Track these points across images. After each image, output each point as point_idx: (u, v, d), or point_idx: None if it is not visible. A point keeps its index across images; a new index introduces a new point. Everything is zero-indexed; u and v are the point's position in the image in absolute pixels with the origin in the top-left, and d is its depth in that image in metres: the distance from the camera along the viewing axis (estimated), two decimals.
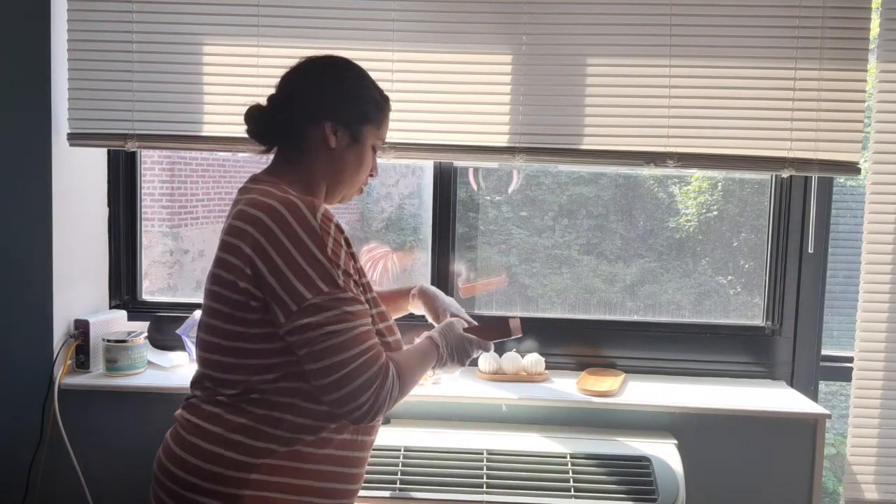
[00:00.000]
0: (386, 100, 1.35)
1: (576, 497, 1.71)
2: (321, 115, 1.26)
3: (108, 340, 1.98)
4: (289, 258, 1.11)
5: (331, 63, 1.31)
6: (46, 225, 1.97)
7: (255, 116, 1.29)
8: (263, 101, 1.30)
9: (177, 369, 2.03)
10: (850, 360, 2.03)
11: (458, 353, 1.34)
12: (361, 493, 1.33)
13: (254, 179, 1.27)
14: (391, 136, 2.02)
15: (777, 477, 1.92)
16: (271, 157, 1.32)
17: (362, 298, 1.17)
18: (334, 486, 1.21)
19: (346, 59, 1.32)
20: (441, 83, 1.99)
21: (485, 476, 1.75)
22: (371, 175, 1.36)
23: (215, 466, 1.15)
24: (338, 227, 1.17)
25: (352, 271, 1.17)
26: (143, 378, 1.98)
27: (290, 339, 1.13)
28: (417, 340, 1.36)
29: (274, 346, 1.15)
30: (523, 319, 1.49)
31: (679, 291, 2.26)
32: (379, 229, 2.45)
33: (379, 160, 1.72)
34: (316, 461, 1.18)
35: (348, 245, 1.19)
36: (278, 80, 1.31)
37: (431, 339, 1.35)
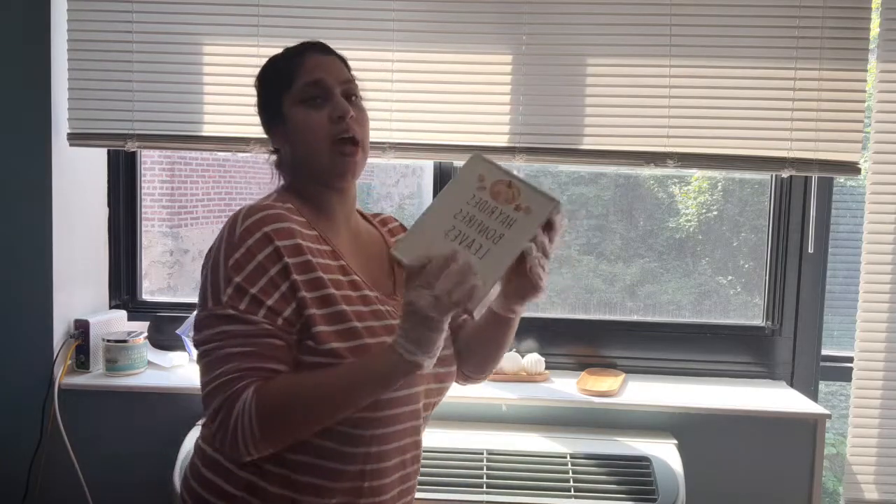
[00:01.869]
0: (295, 52, 1.15)
1: (576, 497, 1.71)
2: (268, 125, 1.18)
3: (108, 340, 1.98)
4: (203, 272, 1.06)
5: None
6: (46, 225, 1.97)
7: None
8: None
9: (177, 369, 2.03)
10: (850, 360, 2.03)
11: (414, 331, 0.95)
12: None
13: None
14: (391, 136, 2.02)
15: (777, 477, 1.92)
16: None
17: (255, 318, 1.00)
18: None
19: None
20: (441, 83, 1.98)
21: (485, 476, 1.75)
22: (338, 117, 1.10)
23: (205, 492, 1.10)
24: (266, 237, 1.02)
25: (258, 287, 1.01)
26: (143, 378, 1.98)
27: None
28: None
29: None
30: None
31: (679, 291, 2.26)
32: None
33: (378, 160, 1.70)
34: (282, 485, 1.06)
35: (277, 256, 1.02)
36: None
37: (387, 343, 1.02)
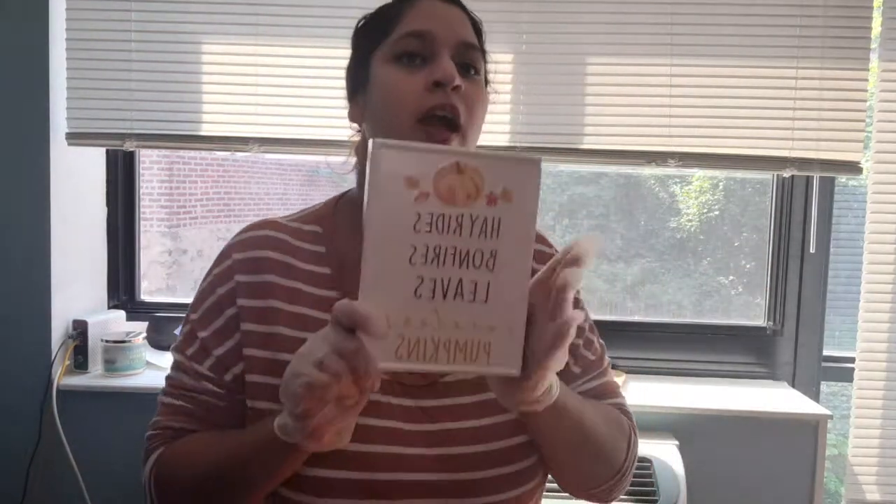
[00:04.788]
0: (366, 19, 0.91)
1: (576, 497, 1.70)
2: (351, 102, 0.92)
3: (107, 341, 1.97)
4: None
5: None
6: (44, 225, 1.96)
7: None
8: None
9: None
10: (852, 360, 2.03)
11: (286, 398, 0.65)
12: None
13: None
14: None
15: (778, 478, 1.92)
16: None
17: (199, 369, 0.86)
18: None
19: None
20: None
21: None
22: (435, 82, 0.80)
23: None
24: (228, 269, 0.86)
25: (210, 331, 0.85)
26: (142, 379, 1.97)
27: None
28: None
29: None
30: None
31: (680, 291, 2.25)
32: None
33: None
34: None
35: (234, 294, 0.84)
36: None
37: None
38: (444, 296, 0.64)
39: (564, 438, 0.80)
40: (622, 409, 0.94)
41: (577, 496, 0.89)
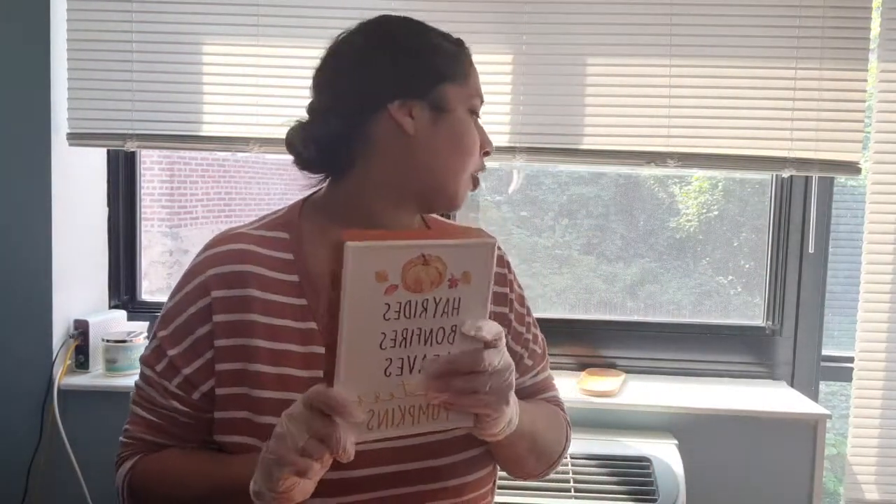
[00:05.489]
0: (458, 43, 0.94)
1: (576, 497, 1.71)
2: (381, 95, 0.88)
3: (108, 340, 1.98)
4: None
5: (363, 27, 0.95)
6: (46, 225, 1.97)
7: (300, 138, 0.91)
8: (294, 118, 0.94)
9: None
10: (851, 360, 2.03)
11: (265, 477, 0.71)
12: None
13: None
14: None
15: (777, 477, 1.92)
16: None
17: (167, 385, 0.88)
18: None
19: (384, 16, 0.96)
20: None
21: None
22: (486, 152, 0.93)
23: None
24: (202, 286, 0.87)
25: (179, 349, 0.87)
26: None
27: None
28: None
29: None
30: None
31: (679, 291, 2.25)
32: None
33: None
34: None
35: (208, 313, 0.86)
36: (310, 82, 0.95)
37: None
38: (411, 371, 0.71)
39: (517, 450, 0.92)
40: (558, 402, 1.08)
41: (517, 478, 1.02)
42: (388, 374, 0.70)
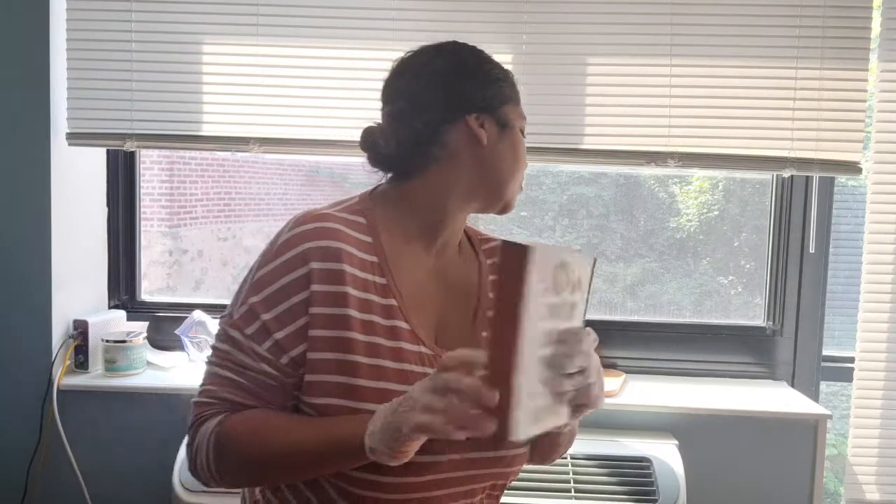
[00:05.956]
0: (507, 73, 1.08)
1: (576, 497, 1.71)
2: (460, 108, 1.02)
3: (107, 341, 1.98)
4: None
5: (440, 49, 1.07)
6: (45, 225, 1.96)
7: (383, 137, 1.03)
8: (367, 122, 1.08)
9: (175, 370, 2.02)
10: (852, 360, 2.03)
11: (385, 431, 0.82)
12: None
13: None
14: None
15: (778, 477, 1.92)
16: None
17: (257, 348, 0.93)
18: None
19: (457, 42, 1.08)
20: None
21: None
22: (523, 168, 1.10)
23: None
24: (302, 256, 0.93)
25: (273, 314, 0.92)
26: (142, 378, 1.97)
27: None
28: None
29: None
30: None
31: (680, 291, 2.25)
32: None
33: None
34: None
35: (307, 281, 0.92)
36: (380, 91, 1.10)
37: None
38: (547, 367, 0.78)
39: (561, 440, 1.13)
40: None
41: (531, 463, 1.17)
42: (541, 369, 0.77)
